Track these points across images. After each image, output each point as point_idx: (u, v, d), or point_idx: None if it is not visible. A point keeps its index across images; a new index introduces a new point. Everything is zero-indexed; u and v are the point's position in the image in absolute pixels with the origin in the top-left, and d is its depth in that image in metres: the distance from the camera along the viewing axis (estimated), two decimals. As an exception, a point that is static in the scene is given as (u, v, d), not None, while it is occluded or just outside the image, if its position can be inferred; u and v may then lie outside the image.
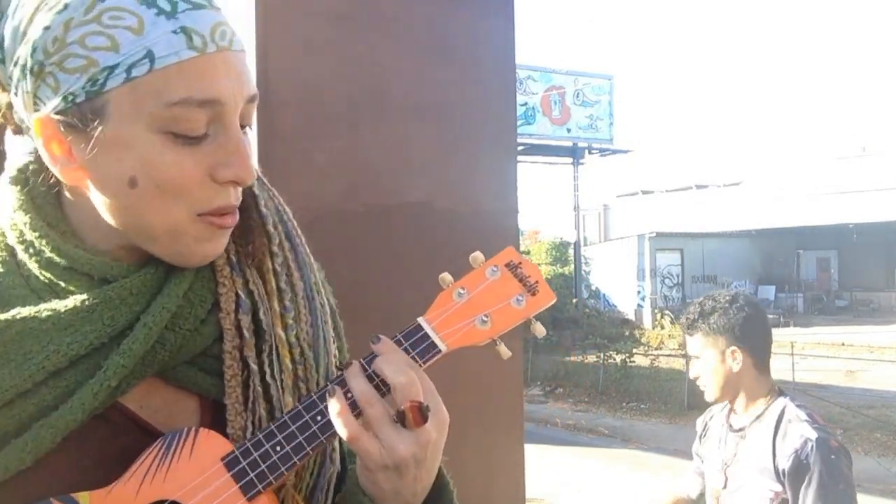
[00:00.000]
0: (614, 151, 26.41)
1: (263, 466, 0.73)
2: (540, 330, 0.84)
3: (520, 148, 20.28)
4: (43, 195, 0.79)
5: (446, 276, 0.83)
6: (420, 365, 0.78)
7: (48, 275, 0.76)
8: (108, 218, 0.75)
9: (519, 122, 20.30)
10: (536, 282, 0.84)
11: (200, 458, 0.73)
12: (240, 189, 0.77)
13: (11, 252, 0.78)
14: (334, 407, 0.74)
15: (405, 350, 0.79)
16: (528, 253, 27.35)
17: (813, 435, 2.08)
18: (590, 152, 25.67)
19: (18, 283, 0.76)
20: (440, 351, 0.80)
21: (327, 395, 0.76)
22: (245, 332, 0.81)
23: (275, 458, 0.74)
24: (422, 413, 0.73)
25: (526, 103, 23.13)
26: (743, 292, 2.44)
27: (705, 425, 2.51)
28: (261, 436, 0.74)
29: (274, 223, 0.86)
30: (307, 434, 0.75)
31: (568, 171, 25.85)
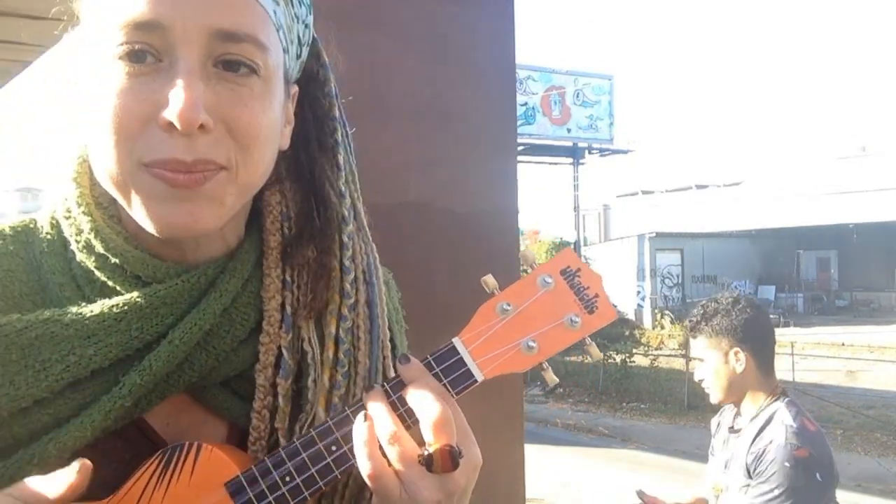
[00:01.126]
0: (614, 151, 26.41)
1: (271, 498, 0.65)
2: (596, 353, 0.73)
3: (520, 148, 20.28)
4: None
5: (490, 281, 0.71)
6: (452, 396, 0.68)
7: (85, 260, 0.69)
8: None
9: (519, 122, 20.29)
10: (596, 295, 0.71)
11: (202, 480, 0.65)
12: (194, 142, 0.62)
13: (60, 231, 0.72)
14: (360, 437, 0.65)
15: (436, 376, 0.68)
16: (528, 253, 27.25)
17: (780, 439, 2.09)
18: (590, 152, 25.66)
19: (60, 268, 0.70)
20: (475, 381, 0.69)
21: (350, 422, 0.66)
22: (280, 398, 0.71)
23: (283, 490, 0.66)
24: (453, 458, 0.63)
25: (526, 103, 23.12)
26: (745, 294, 2.47)
27: (718, 424, 2.53)
28: (269, 463, 0.66)
29: (355, 280, 0.74)
30: (320, 466, 0.66)
31: (568, 171, 25.85)
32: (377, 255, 0.79)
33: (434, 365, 0.69)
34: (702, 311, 2.40)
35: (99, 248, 0.69)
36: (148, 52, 0.61)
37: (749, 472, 2.14)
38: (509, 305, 0.70)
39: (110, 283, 0.69)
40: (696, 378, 2.45)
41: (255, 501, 0.66)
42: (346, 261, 0.74)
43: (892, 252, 28.27)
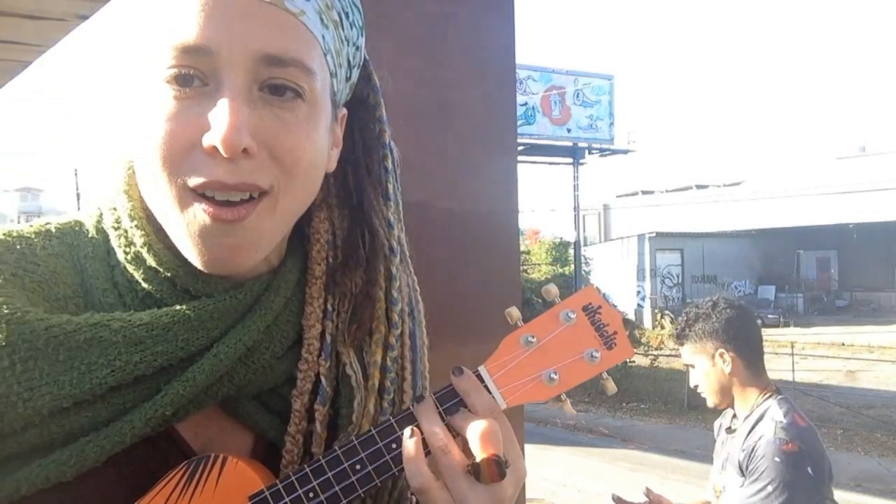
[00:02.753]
0: (614, 151, 26.41)
1: None
2: (611, 387, 0.75)
3: (520, 148, 20.27)
4: None
5: (514, 313, 0.73)
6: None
7: (133, 271, 0.70)
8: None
9: (519, 122, 20.29)
10: (615, 333, 0.74)
11: (226, 492, 0.66)
12: (237, 166, 0.62)
13: (105, 237, 0.72)
14: (408, 451, 0.66)
15: (461, 402, 0.70)
16: (528, 253, 27.33)
17: (769, 434, 2.09)
18: (590, 152, 25.67)
19: (103, 273, 0.71)
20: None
21: (375, 442, 0.68)
22: (318, 424, 0.72)
23: None
24: (499, 468, 0.65)
25: (526, 103, 23.13)
26: (726, 296, 2.47)
27: (719, 426, 2.54)
28: (294, 479, 0.67)
29: (402, 312, 0.76)
30: (345, 484, 0.67)
31: (568, 171, 25.85)
32: (418, 288, 0.81)
33: None
34: (685, 319, 2.42)
35: (150, 261, 0.69)
36: (195, 76, 0.62)
37: (742, 470, 2.15)
38: (533, 338, 0.72)
39: (156, 295, 0.70)
40: (691, 384, 2.46)
41: None
42: (394, 292, 0.76)
43: (892, 252, 28.28)
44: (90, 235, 0.73)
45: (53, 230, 0.73)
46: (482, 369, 0.72)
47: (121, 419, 0.66)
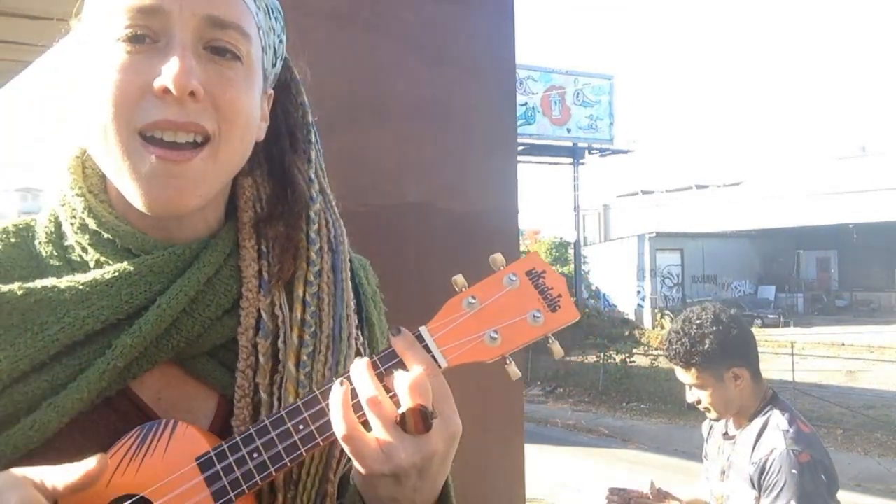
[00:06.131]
0: (614, 151, 26.39)
1: (238, 473, 0.69)
2: (558, 351, 0.77)
3: (520, 148, 20.28)
4: (93, 166, 0.79)
5: (459, 279, 0.75)
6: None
7: (80, 239, 0.76)
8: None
9: (519, 122, 20.30)
10: (559, 296, 0.75)
11: (175, 455, 0.69)
12: (185, 108, 0.69)
13: (57, 222, 0.79)
14: (335, 400, 0.68)
15: (401, 363, 0.72)
16: (527, 253, 27.25)
17: (781, 447, 2.07)
18: (590, 152, 25.65)
19: (57, 254, 0.77)
20: (438, 367, 0.72)
21: (318, 403, 0.70)
22: (261, 357, 0.76)
23: (250, 465, 0.69)
24: (424, 418, 0.66)
25: (526, 103, 23.11)
26: (718, 307, 2.36)
27: (710, 428, 2.51)
28: (238, 439, 0.70)
29: (320, 250, 0.82)
30: (287, 444, 0.69)
31: (568, 171, 25.84)
32: (344, 229, 0.86)
33: None
34: (686, 340, 2.26)
35: (92, 225, 0.76)
36: (147, 35, 0.69)
37: (754, 484, 2.12)
38: (475, 299, 0.74)
39: (102, 260, 0.75)
40: (690, 400, 2.36)
41: (221, 475, 0.69)
42: (311, 233, 0.82)
43: (892, 252, 28.26)
44: (44, 226, 0.80)
45: (10, 227, 0.80)
46: (423, 329, 0.73)
47: (78, 378, 0.70)
